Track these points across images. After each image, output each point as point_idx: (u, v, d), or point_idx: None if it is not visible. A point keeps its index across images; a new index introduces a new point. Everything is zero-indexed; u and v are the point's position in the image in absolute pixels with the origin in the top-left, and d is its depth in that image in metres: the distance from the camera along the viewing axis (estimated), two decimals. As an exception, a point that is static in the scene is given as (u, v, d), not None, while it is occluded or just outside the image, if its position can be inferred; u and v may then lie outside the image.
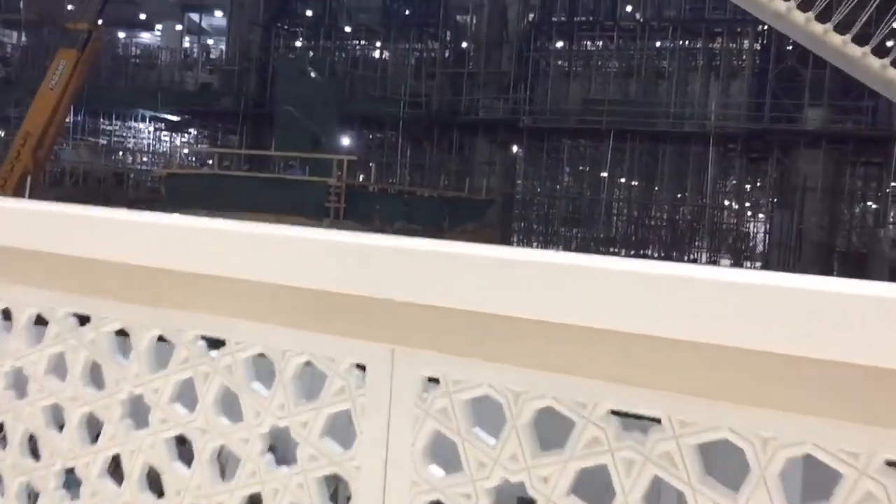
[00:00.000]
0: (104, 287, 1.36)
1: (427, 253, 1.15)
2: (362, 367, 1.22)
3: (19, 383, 1.48)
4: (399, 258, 1.15)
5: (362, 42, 29.19)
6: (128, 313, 1.37)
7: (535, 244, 27.15)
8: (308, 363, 1.25)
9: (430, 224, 21.81)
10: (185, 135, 34.74)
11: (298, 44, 29.07)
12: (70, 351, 1.42)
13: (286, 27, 28.44)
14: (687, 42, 25.72)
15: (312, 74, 24.62)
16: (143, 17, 50.92)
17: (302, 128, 22.41)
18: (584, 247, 25.95)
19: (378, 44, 28.91)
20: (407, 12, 28.64)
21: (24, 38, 33.42)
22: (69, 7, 28.41)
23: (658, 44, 25.74)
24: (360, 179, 23.82)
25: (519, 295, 1.04)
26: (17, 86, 26.69)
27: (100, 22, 24.75)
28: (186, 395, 1.36)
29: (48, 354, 1.44)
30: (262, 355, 1.28)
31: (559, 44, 26.92)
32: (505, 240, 25.92)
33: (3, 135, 25.31)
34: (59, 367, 1.45)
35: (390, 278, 1.12)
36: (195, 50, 36.23)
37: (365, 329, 1.18)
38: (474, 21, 28.41)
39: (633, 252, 25.41)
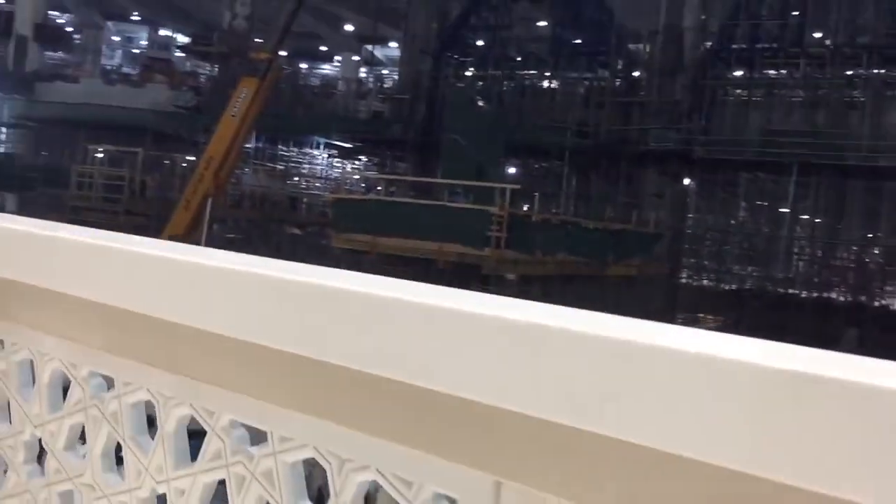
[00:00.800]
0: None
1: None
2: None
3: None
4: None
5: (531, 71, 29.01)
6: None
7: (705, 281, 25.77)
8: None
9: (593, 256, 21.11)
10: (356, 161, 35.84)
11: (468, 73, 29.28)
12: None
13: (456, 57, 28.72)
14: (882, 69, 23.76)
15: (480, 103, 24.64)
16: (323, 49, 53.59)
17: (467, 156, 22.38)
18: (761, 287, 24.32)
19: (547, 73, 28.65)
20: (577, 41, 28.22)
21: (214, 69, 35.70)
22: (256, 39, 30.07)
23: (850, 72, 23.91)
24: (524, 209, 23.50)
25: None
26: (206, 113, 28.37)
27: (282, 53, 26.02)
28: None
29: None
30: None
31: (738, 72, 25.60)
32: (673, 276, 24.74)
33: (194, 159, 26.89)
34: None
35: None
36: (370, 80, 37.44)
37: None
38: (647, 49, 27.61)
39: (815, 295, 23.55)
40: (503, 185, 19.53)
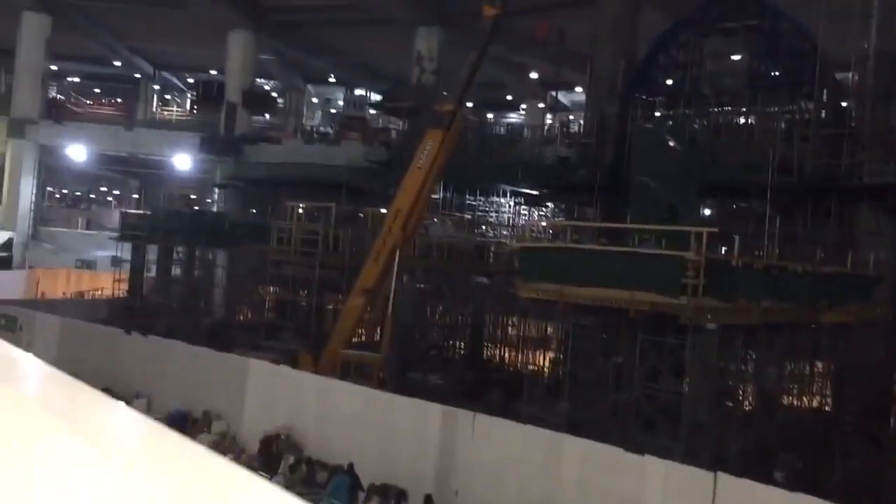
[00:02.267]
0: None
1: None
2: None
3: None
4: None
5: (725, 107, 27.46)
6: None
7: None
8: None
9: (804, 302, 19.28)
10: (543, 208, 35.41)
11: (657, 113, 28.18)
12: None
13: (644, 97, 27.74)
14: None
15: (671, 143, 23.48)
16: (509, 98, 54.13)
17: (658, 199, 21.31)
18: None
19: (743, 108, 27.00)
20: (776, 72, 26.42)
21: (405, 124, 36.79)
22: (444, 93, 30.61)
23: None
24: (722, 253, 21.97)
25: None
26: (397, 167, 29.07)
27: (467, 103, 26.22)
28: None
29: None
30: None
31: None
32: (898, 323, 22.17)
33: (385, 212, 27.52)
34: None
35: None
36: (555, 125, 37.11)
37: None
38: (855, 76, 25.35)
39: None
40: (699, 229, 18.28)
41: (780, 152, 23.42)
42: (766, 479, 14.36)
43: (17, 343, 27.91)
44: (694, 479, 14.43)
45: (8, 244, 44.17)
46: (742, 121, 27.15)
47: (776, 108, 25.73)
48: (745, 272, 18.95)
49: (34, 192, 45.66)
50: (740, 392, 22.04)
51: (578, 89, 44.33)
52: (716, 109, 27.14)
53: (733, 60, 28.18)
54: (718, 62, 27.24)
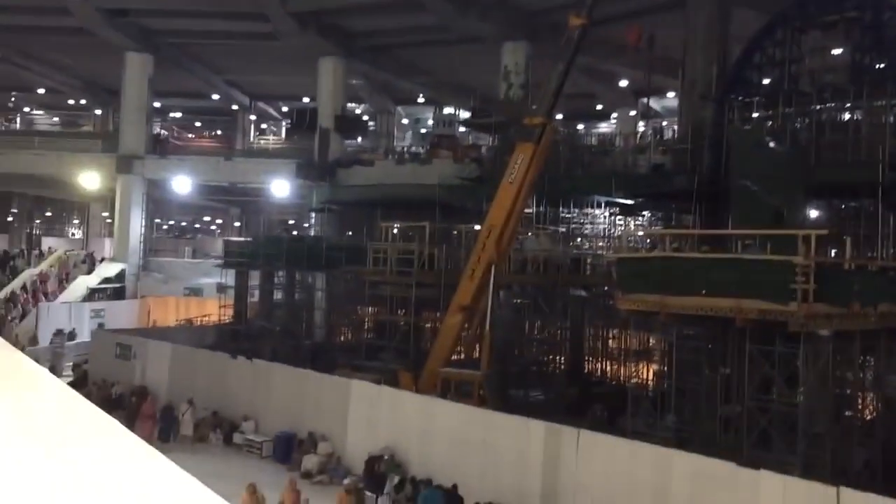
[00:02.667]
0: None
1: None
2: None
3: None
4: None
5: (828, 104, 26.29)
6: None
7: None
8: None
9: (925, 305, 18.18)
10: (639, 218, 34.68)
11: (755, 114, 27.23)
12: None
13: (741, 98, 26.85)
14: None
15: (771, 144, 22.62)
16: (599, 107, 53.45)
17: (761, 202, 20.54)
18: None
19: (847, 104, 25.79)
20: (881, 66, 25.16)
21: (494, 139, 36.74)
22: (533, 106, 30.38)
23: None
24: (832, 256, 20.98)
25: None
26: (488, 183, 29.02)
27: (557, 115, 25.99)
28: None
29: None
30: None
31: None
32: None
33: (478, 229, 27.46)
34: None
35: None
36: (648, 133, 36.37)
37: None
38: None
39: None
40: (806, 232, 17.52)
41: (891, 147, 22.26)
42: (894, 493, 13.53)
43: (132, 371, 29.01)
44: (814, 495, 13.74)
45: (121, 275, 46.21)
46: (847, 117, 25.95)
47: (883, 102, 24.49)
48: (858, 275, 18.05)
49: (143, 224, 47.68)
50: (860, 401, 20.94)
51: (671, 94, 43.39)
52: (818, 107, 26.03)
53: (834, 55, 27.00)
54: (818, 58, 26.13)
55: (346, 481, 18.55)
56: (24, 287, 43.74)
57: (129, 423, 24.59)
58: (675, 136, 31.37)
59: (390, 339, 28.44)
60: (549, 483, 17.22)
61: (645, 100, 40.50)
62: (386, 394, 21.75)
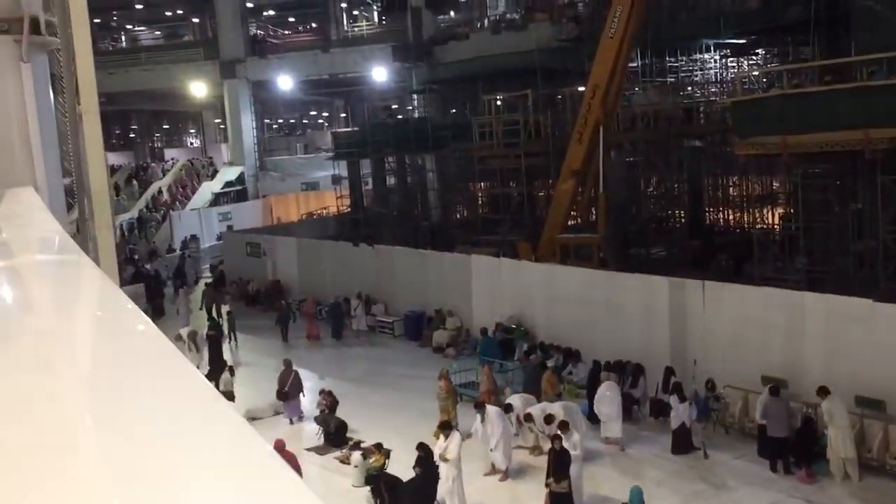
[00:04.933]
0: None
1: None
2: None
3: None
4: None
5: None
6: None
7: None
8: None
9: None
10: (753, 57, 32.78)
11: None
12: None
13: None
14: None
15: (896, -44, 20.64)
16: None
17: (886, 23, 18.97)
18: None
19: None
20: None
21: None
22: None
23: None
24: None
25: None
26: (588, 41, 27.98)
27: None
28: None
29: None
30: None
31: None
32: None
33: (583, 90, 26.73)
34: None
35: None
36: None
37: None
38: None
39: None
40: (940, 48, 16.16)
41: None
42: None
43: (263, 267, 30.37)
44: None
45: (241, 178, 47.95)
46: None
47: None
48: None
49: (254, 126, 48.91)
50: None
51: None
52: None
53: None
54: None
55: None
56: (159, 193, 46.15)
57: (271, 314, 25.97)
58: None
59: (505, 212, 28.57)
60: (678, 336, 17.27)
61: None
62: (506, 265, 22.06)
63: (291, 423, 17.37)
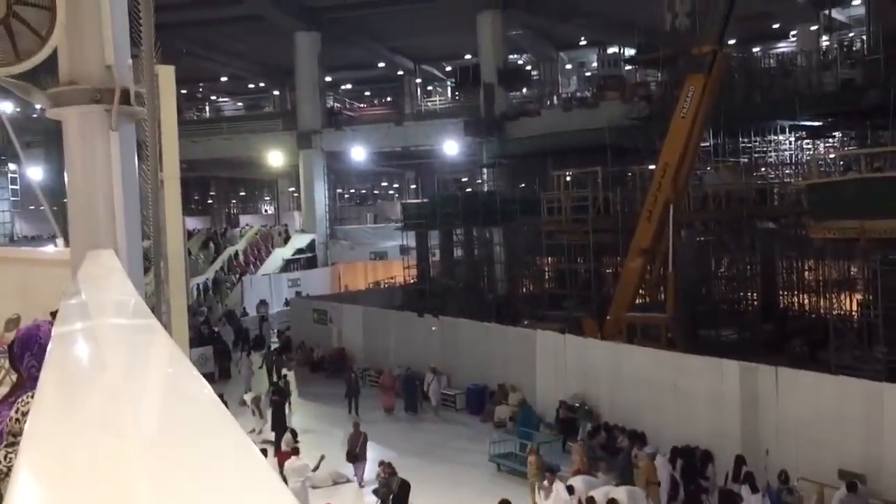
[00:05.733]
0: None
1: None
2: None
3: None
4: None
5: None
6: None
7: None
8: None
9: None
10: (829, 140, 32.30)
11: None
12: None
13: (940, -5, 24.26)
14: None
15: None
16: (776, 26, 49.89)
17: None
18: None
19: None
20: None
21: (663, 74, 35.26)
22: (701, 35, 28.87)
23: None
24: None
25: None
26: (659, 120, 28.02)
27: (729, 41, 24.55)
28: None
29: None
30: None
31: None
32: None
33: (651, 168, 26.66)
34: None
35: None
36: (833, 47, 33.65)
37: None
38: None
39: None
40: None
41: None
42: None
43: (329, 334, 30.48)
44: None
45: (311, 245, 48.88)
46: None
47: None
48: None
49: (326, 195, 50.04)
50: None
51: (856, 2, 39.81)
52: None
53: None
54: None
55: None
56: (235, 256, 47.26)
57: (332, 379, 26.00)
58: (865, 46, 28.83)
59: (572, 288, 28.35)
60: (749, 424, 16.66)
61: (827, 11, 37.38)
62: (571, 342, 21.77)
63: (361, 486, 17.48)
